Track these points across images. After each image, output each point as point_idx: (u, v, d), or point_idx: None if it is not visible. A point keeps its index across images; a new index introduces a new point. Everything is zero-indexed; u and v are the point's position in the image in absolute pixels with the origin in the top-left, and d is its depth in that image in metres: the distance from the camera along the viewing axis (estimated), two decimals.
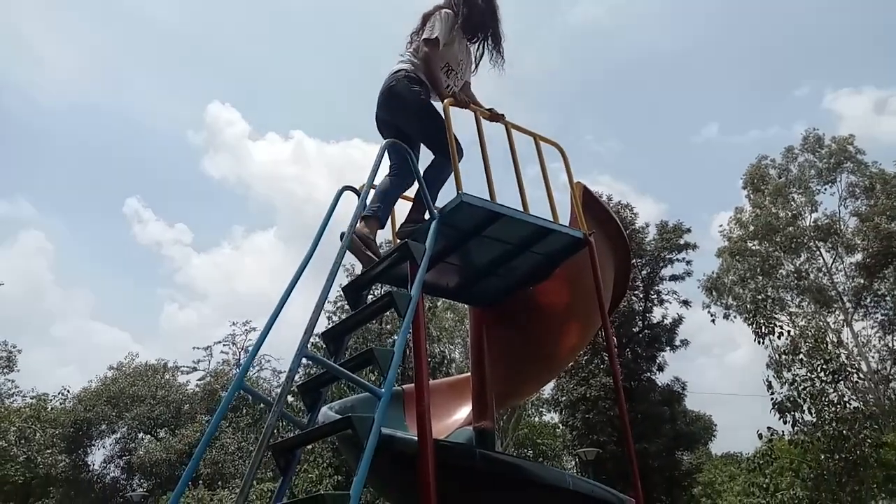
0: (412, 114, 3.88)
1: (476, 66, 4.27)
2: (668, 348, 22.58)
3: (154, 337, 47.25)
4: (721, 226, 28.59)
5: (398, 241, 3.80)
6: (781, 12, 53.22)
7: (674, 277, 23.26)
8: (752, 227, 26.18)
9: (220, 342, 28.87)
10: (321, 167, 55.98)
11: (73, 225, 54.35)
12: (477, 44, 4.24)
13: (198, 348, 28.04)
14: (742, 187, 27.66)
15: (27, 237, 48.95)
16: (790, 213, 25.46)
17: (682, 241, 23.36)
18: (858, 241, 23.55)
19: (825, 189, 25.59)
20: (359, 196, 3.90)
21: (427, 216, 3.55)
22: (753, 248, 26.06)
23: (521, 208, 3.67)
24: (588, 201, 4.22)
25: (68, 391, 24.88)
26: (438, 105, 3.86)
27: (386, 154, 3.70)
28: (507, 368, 4.39)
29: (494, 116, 3.92)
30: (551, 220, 3.81)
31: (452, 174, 3.55)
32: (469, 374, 4.64)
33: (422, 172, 3.75)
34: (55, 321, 47.17)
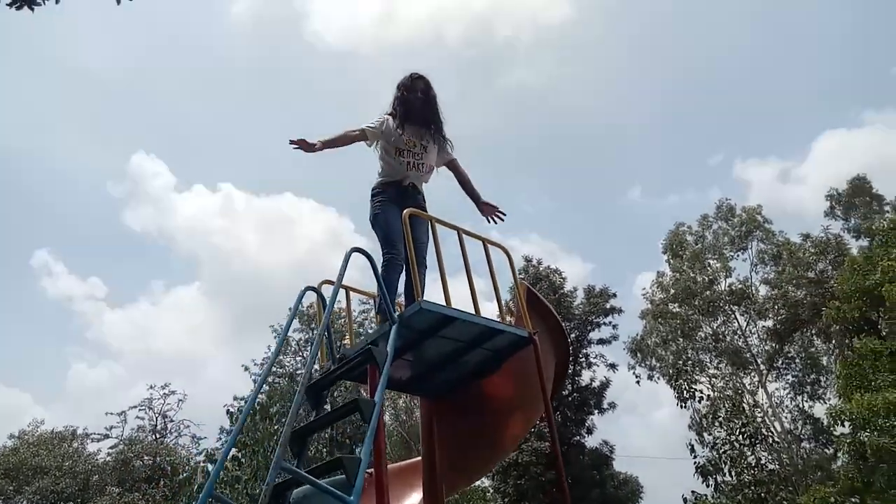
0: (371, 224, 4.48)
1: (439, 146, 4.79)
2: (596, 411, 23.21)
3: (59, 398, 44.28)
4: (644, 289, 29.94)
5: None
6: (697, 86, 57.63)
7: (601, 341, 24.09)
8: (672, 291, 27.67)
9: (135, 406, 27.49)
10: (250, 220, 55.30)
11: None
12: (426, 130, 4.78)
13: (111, 413, 26.62)
14: (662, 252, 29.36)
15: None
16: (707, 278, 27.12)
17: (608, 306, 24.35)
18: (769, 307, 25.26)
19: (738, 255, 27.48)
20: (319, 296, 4.17)
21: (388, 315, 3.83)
22: (674, 310, 27.48)
23: (472, 309, 4.03)
24: (531, 300, 4.62)
25: None
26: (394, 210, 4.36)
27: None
28: (457, 456, 4.65)
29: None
30: (498, 319, 4.18)
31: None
32: (418, 459, 4.86)
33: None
34: None
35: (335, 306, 4.44)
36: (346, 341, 5.34)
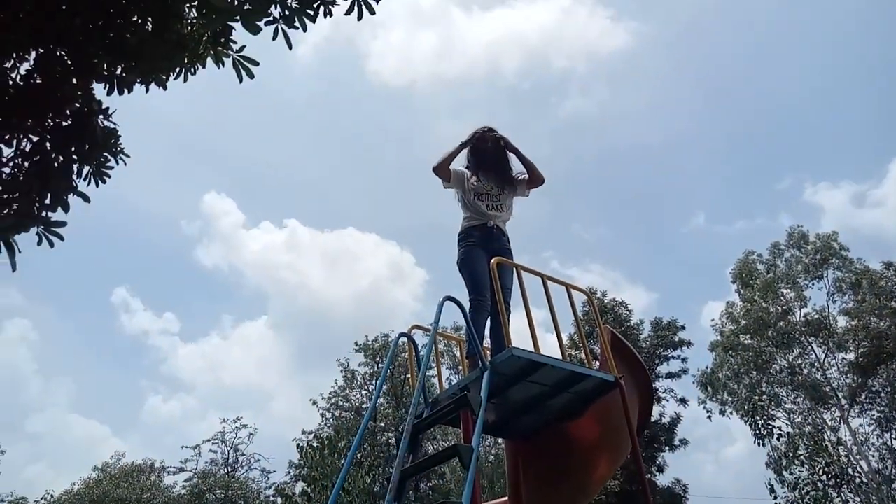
0: (458, 267, 4.74)
1: (515, 187, 5.13)
2: (667, 448, 22.62)
3: (134, 430, 46.11)
4: (713, 320, 29.22)
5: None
6: (761, 108, 56.39)
7: (670, 375, 23.66)
8: (743, 322, 26.88)
9: (209, 440, 28.39)
10: (314, 255, 56.85)
11: (61, 313, 54.01)
12: (500, 176, 5.12)
13: (186, 447, 27.61)
14: (731, 281, 28.61)
15: (12, 326, 48.48)
16: (780, 309, 26.26)
17: (676, 338, 23.89)
18: (849, 338, 24.19)
19: (813, 284, 26.55)
20: (410, 341, 4.43)
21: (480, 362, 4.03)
22: (746, 342, 26.66)
23: (557, 353, 4.21)
24: (615, 343, 4.75)
25: (51, 496, 24.16)
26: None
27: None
28: (542, 498, 4.76)
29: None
30: (584, 364, 4.32)
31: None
32: (503, 500, 4.99)
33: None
34: (31, 414, 46.06)
35: (411, 348, 4.68)
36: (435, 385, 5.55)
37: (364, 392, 32.42)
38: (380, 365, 32.16)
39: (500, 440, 25.21)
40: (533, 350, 4.07)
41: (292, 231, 58.11)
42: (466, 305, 4.47)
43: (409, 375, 32.02)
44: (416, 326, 4.87)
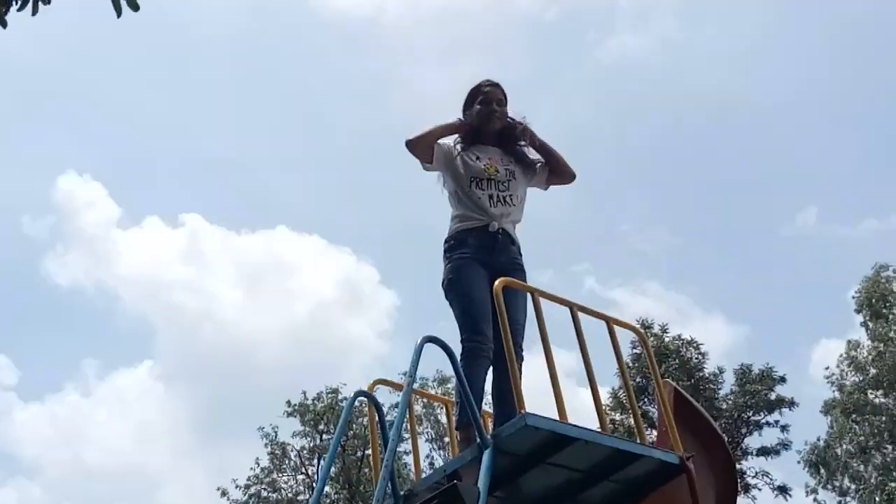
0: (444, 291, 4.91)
1: (530, 170, 5.26)
2: None
3: None
4: (828, 367, 29.45)
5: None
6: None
7: (764, 451, 23.85)
8: (873, 371, 27.16)
9: None
10: (226, 268, 56.79)
11: None
12: (509, 152, 5.25)
13: None
14: (856, 310, 28.89)
15: None
16: None
17: (773, 396, 24.10)
18: None
19: None
20: (376, 406, 4.44)
21: (478, 439, 4.04)
22: (877, 401, 26.95)
23: (593, 422, 4.26)
24: (681, 405, 4.81)
25: None
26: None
27: None
28: None
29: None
30: (634, 440, 4.37)
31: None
32: None
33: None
34: None
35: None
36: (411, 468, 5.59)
37: (301, 477, 32.46)
38: (325, 437, 32.21)
39: None
40: (558, 417, 4.08)
41: (192, 233, 58.01)
42: (457, 350, 4.48)
43: (369, 452, 32.21)
44: (382, 381, 4.87)
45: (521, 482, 4.42)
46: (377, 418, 4.65)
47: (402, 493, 4.38)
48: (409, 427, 5.33)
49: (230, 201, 67.89)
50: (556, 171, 5.24)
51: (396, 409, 4.13)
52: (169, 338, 54.19)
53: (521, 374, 4.52)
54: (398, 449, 4.22)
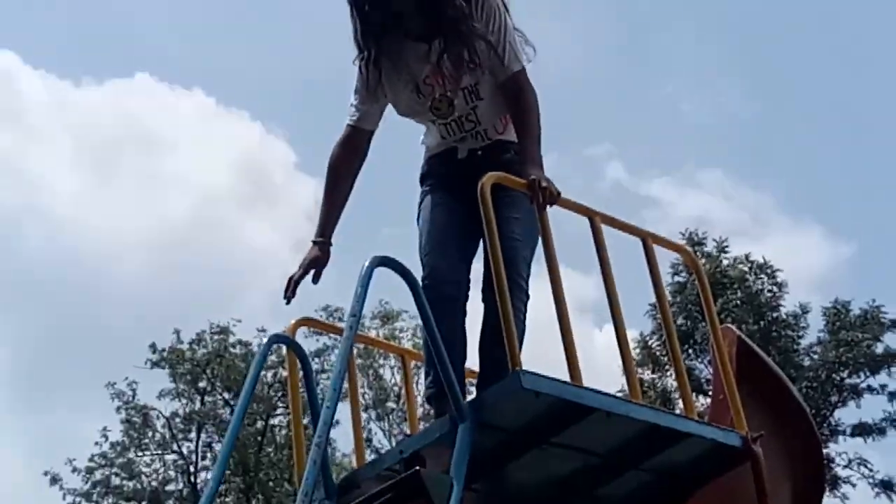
0: None
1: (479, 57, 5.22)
2: None
3: None
4: None
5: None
6: None
7: (862, 431, 24.30)
8: None
9: None
10: (59, 137, 56.04)
11: None
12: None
13: None
14: None
15: None
16: None
17: (879, 349, 24.42)
18: None
19: None
20: (299, 356, 4.58)
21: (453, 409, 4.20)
22: None
23: (614, 385, 4.42)
24: (747, 362, 4.98)
25: None
26: None
27: None
28: None
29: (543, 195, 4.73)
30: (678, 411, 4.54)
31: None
32: None
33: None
34: None
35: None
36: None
37: (171, 457, 32.67)
38: (207, 399, 32.34)
39: None
40: (568, 377, 4.21)
41: (3, 80, 56.85)
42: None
43: (273, 422, 32.14)
44: (307, 321, 4.96)
45: (511, 470, 4.59)
46: (301, 374, 4.81)
47: (337, 482, 4.55)
48: (349, 390, 5.46)
49: (64, 33, 66.72)
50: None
51: (327, 362, 4.23)
52: None
53: (524, 312, 4.71)
54: (333, 421, 4.34)
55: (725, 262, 26.12)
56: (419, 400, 5.75)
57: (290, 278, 5.11)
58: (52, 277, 48.60)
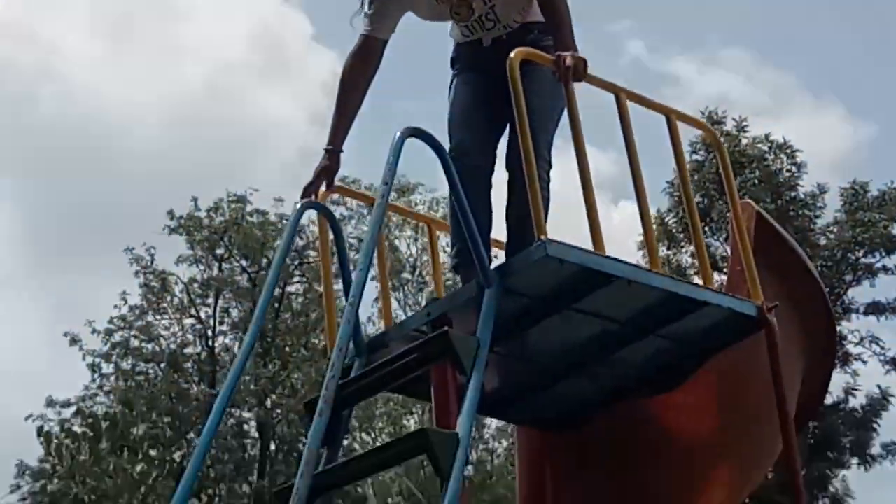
0: None
1: None
2: (853, 459, 23.79)
3: None
4: None
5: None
6: None
7: (875, 309, 24.40)
8: None
9: None
10: (76, 5, 55.55)
11: None
12: None
13: None
14: None
15: None
16: None
17: (893, 230, 24.43)
18: None
19: None
20: (331, 222, 4.75)
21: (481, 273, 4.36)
22: None
23: (636, 254, 4.57)
24: (764, 236, 5.13)
25: None
26: None
27: None
28: None
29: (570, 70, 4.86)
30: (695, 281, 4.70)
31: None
32: None
33: None
34: None
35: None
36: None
37: (189, 321, 32.83)
38: (224, 266, 32.41)
39: (508, 426, 25.76)
40: (592, 245, 4.37)
41: None
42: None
43: (290, 289, 32.37)
44: (341, 189, 5.10)
45: (533, 334, 4.81)
46: (332, 240, 5.01)
47: (366, 342, 4.75)
48: (378, 256, 5.62)
49: None
50: None
51: (367, 232, 4.38)
52: None
53: (547, 181, 4.86)
54: (366, 284, 4.49)
55: (744, 141, 26.01)
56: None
57: (305, 187, 5.22)
58: (68, 142, 48.31)
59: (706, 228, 23.61)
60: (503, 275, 4.30)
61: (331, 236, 5.22)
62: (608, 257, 4.36)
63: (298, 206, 4.89)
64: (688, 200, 5.17)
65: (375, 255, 5.27)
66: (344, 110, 5.42)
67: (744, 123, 26.51)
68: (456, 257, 5.05)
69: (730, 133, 25.70)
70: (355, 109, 5.47)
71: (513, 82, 4.50)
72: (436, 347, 4.04)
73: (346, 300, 4.18)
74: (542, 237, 4.22)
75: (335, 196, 5.58)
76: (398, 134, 4.39)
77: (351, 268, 4.58)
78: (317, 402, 3.80)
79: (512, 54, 4.59)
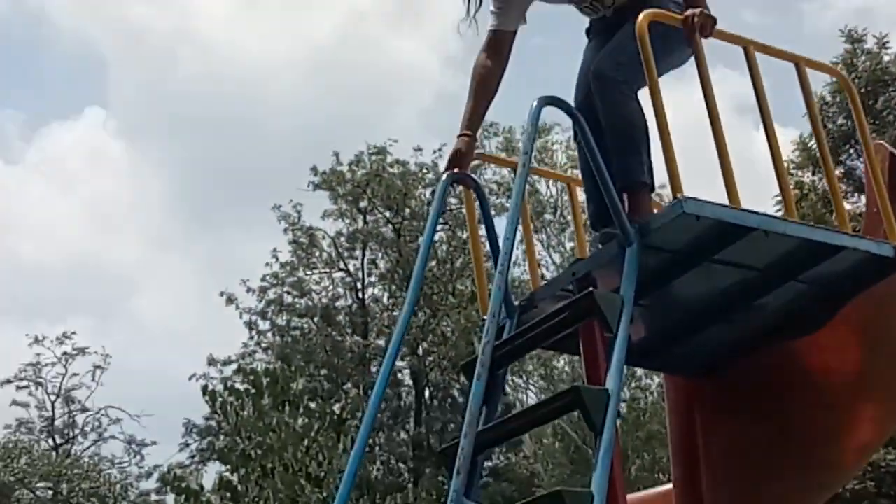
0: None
1: None
2: None
3: None
4: None
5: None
6: None
7: None
8: None
9: (9, 381, 30.36)
10: None
11: None
12: None
13: None
14: None
15: None
16: None
17: None
18: None
19: None
20: (478, 192, 4.98)
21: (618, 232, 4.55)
22: None
23: (767, 205, 4.72)
24: None
25: None
26: None
27: None
28: (744, 484, 5.45)
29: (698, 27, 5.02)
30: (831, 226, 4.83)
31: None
32: (665, 488, 5.70)
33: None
34: None
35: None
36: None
37: (338, 275, 33.20)
38: (369, 218, 32.61)
39: (655, 376, 25.81)
40: (728, 201, 4.54)
41: None
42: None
43: (448, 237, 32.37)
44: (483, 156, 5.30)
45: (675, 286, 4.98)
46: (478, 207, 5.25)
47: (516, 304, 4.98)
48: (523, 222, 5.82)
49: None
50: None
51: (512, 198, 4.55)
52: (125, 74, 54.12)
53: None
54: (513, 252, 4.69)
55: (886, 58, 25.35)
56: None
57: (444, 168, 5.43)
58: (207, 103, 48.98)
59: (851, 151, 23.19)
60: (643, 233, 4.47)
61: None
62: (743, 209, 4.50)
63: (444, 177, 5.09)
64: (822, 153, 5.24)
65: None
66: (477, 101, 5.56)
67: (885, 40, 25.78)
68: (592, 216, 5.27)
69: (870, 51, 25.11)
70: (489, 100, 5.62)
71: (642, 45, 4.65)
72: (582, 307, 4.26)
73: (494, 265, 4.39)
74: (679, 195, 4.40)
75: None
76: (535, 103, 4.61)
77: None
78: (473, 365, 4.05)
79: (640, 17, 4.72)
